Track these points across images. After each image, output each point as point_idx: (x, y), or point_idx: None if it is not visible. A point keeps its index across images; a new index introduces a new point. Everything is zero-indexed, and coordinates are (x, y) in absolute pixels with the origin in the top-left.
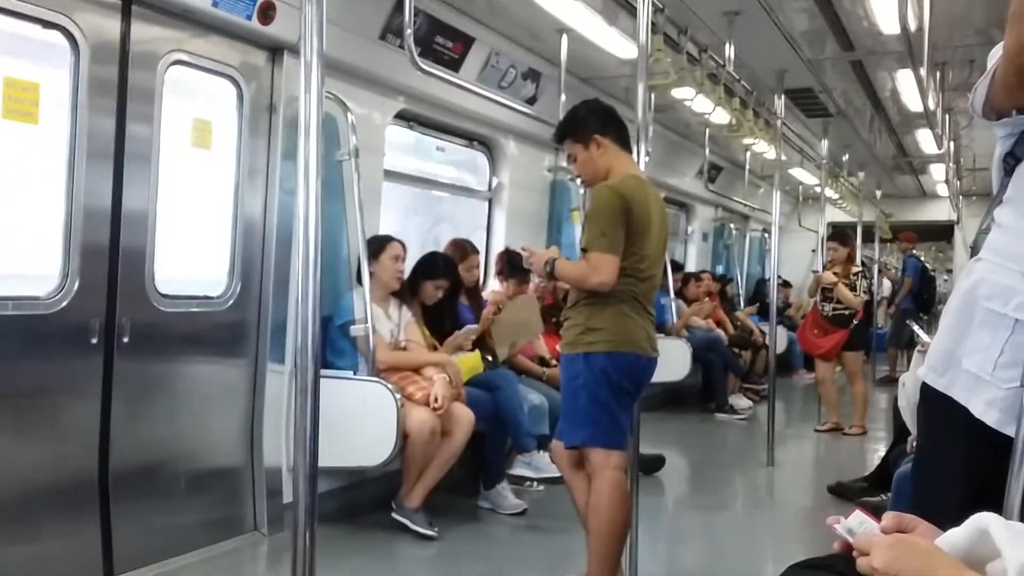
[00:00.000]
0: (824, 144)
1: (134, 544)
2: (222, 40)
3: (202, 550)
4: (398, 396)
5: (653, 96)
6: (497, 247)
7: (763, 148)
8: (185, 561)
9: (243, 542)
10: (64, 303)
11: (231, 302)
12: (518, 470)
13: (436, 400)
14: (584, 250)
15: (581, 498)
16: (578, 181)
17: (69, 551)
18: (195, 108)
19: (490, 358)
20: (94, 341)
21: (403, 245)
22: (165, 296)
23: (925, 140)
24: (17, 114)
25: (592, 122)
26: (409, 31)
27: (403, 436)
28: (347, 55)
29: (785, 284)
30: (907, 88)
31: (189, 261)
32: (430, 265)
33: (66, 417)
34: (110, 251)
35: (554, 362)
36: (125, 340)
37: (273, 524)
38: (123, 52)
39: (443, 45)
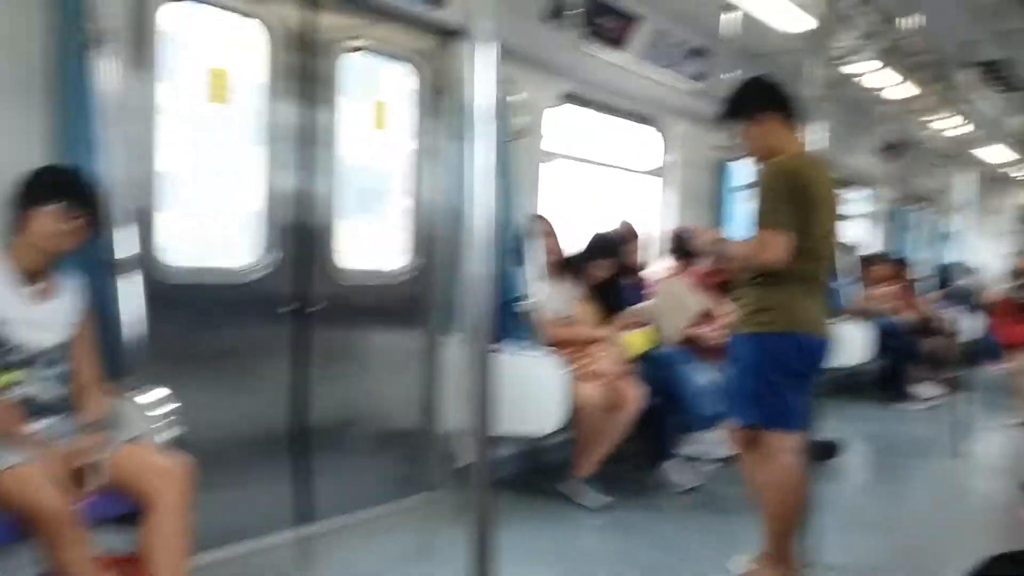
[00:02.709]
0: (1015, 120)
1: (326, 496)
2: (398, 26)
3: (386, 505)
4: (566, 370)
5: (827, 71)
6: (668, 226)
7: (946, 124)
8: (370, 514)
9: (423, 500)
10: (259, 275)
11: (409, 276)
12: (690, 448)
13: (604, 375)
14: (755, 228)
15: (755, 479)
16: (747, 159)
17: (268, 499)
18: (374, 92)
19: (661, 336)
20: (285, 310)
21: (553, 223)
22: (349, 269)
23: None
24: (219, 99)
25: (759, 99)
26: (574, 12)
27: (573, 409)
28: (514, 37)
29: (970, 270)
30: None
31: (369, 237)
32: (598, 244)
33: (262, 378)
34: (300, 227)
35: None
36: (315, 309)
37: (450, 484)
38: (309, 40)
39: (608, 25)
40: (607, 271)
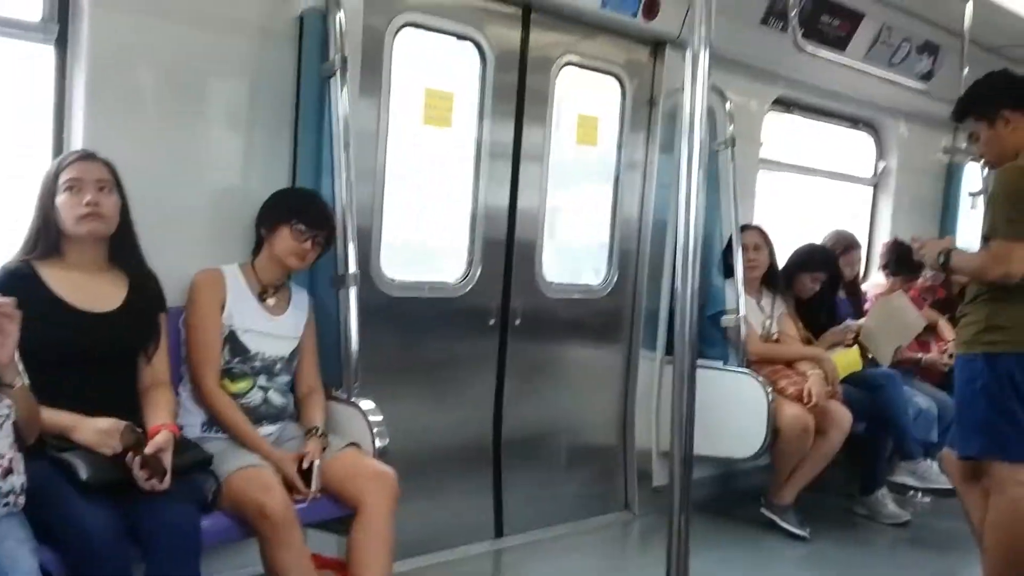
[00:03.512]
0: None
1: (520, 510)
2: (608, 39)
3: (578, 522)
4: (769, 389)
5: None
6: (881, 237)
7: None
8: (563, 530)
9: (615, 519)
10: (468, 288)
11: (609, 290)
12: (901, 477)
13: (810, 396)
14: (986, 238)
15: (976, 514)
16: (981, 162)
17: (465, 509)
18: (583, 106)
19: (870, 356)
20: (491, 323)
21: (763, 232)
22: (551, 283)
23: None
24: (435, 120)
25: (1000, 96)
26: (794, 12)
27: (774, 431)
28: (726, 43)
29: None
30: None
31: (571, 251)
32: (806, 256)
33: (467, 389)
34: (506, 243)
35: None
36: (517, 323)
37: (643, 505)
38: (522, 58)
39: (829, 24)
40: (817, 285)
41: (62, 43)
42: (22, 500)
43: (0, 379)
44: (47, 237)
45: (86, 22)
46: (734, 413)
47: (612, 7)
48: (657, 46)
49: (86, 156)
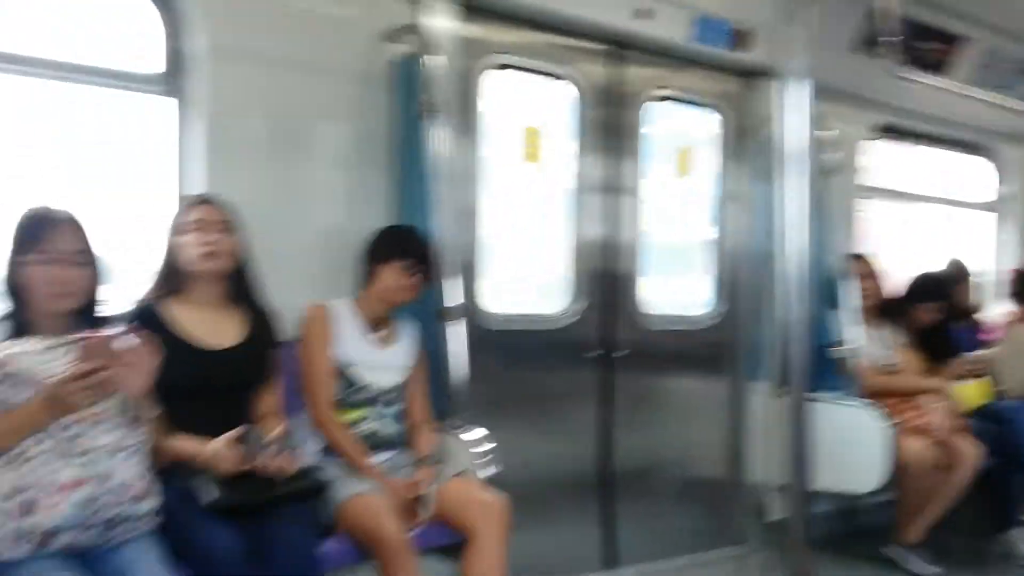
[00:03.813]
0: None
1: (630, 541)
2: (703, 72)
3: (689, 556)
4: (889, 422)
5: None
6: (1004, 264)
7: None
8: (675, 564)
9: (727, 554)
10: (570, 321)
11: (714, 322)
12: None
13: (934, 430)
14: None
15: None
16: None
17: (575, 539)
18: (678, 139)
19: (1000, 388)
20: (594, 355)
21: (872, 261)
22: (653, 315)
23: None
24: (530, 156)
25: None
26: (888, 38)
27: (898, 466)
28: (823, 71)
29: None
30: None
31: (673, 282)
32: (923, 286)
33: (571, 420)
34: (606, 275)
35: None
36: (620, 355)
37: (757, 541)
38: (615, 94)
39: (926, 49)
40: (934, 315)
41: (181, 94)
42: (155, 522)
43: (137, 410)
44: (173, 275)
45: (203, 75)
46: (851, 447)
47: (705, 41)
48: (752, 76)
49: (207, 200)
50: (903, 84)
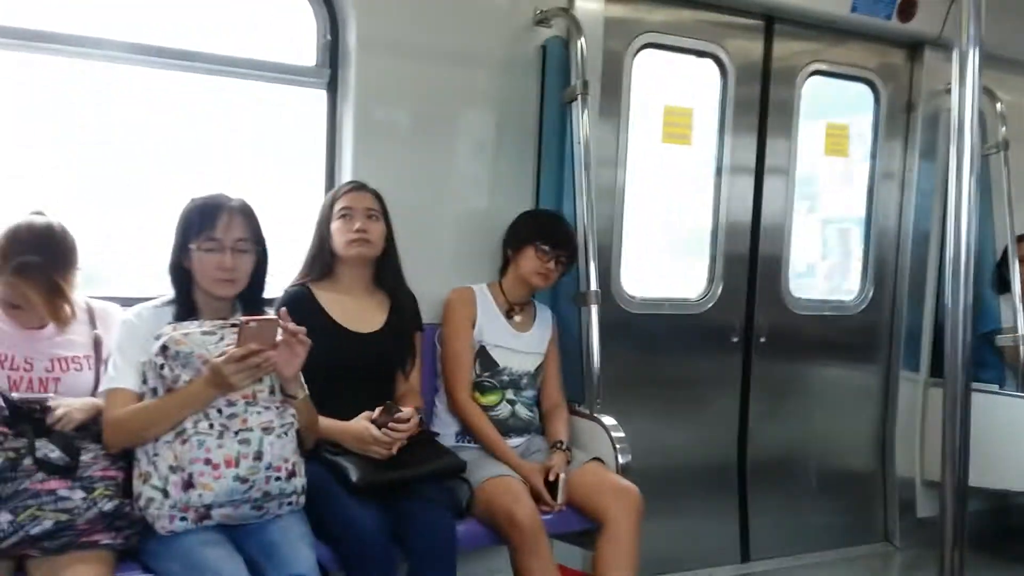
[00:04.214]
0: None
1: (768, 534)
2: (859, 44)
3: (830, 552)
4: None
5: None
6: None
7: None
8: (815, 559)
9: (871, 551)
10: (710, 304)
11: (863, 307)
12: None
13: None
14: None
15: None
16: None
17: (709, 531)
18: (831, 115)
19: None
20: (734, 340)
21: None
22: (799, 300)
23: None
24: (675, 138)
25: None
26: None
27: None
28: (994, 40)
29: None
30: None
31: (823, 265)
32: None
33: (709, 407)
34: (750, 259)
35: None
36: (762, 340)
37: (905, 538)
38: (765, 70)
39: None
40: None
41: (332, 86)
42: (303, 500)
43: (286, 391)
44: (322, 260)
45: (353, 66)
46: (1012, 442)
47: (864, 11)
48: (915, 48)
49: (357, 187)
50: None
